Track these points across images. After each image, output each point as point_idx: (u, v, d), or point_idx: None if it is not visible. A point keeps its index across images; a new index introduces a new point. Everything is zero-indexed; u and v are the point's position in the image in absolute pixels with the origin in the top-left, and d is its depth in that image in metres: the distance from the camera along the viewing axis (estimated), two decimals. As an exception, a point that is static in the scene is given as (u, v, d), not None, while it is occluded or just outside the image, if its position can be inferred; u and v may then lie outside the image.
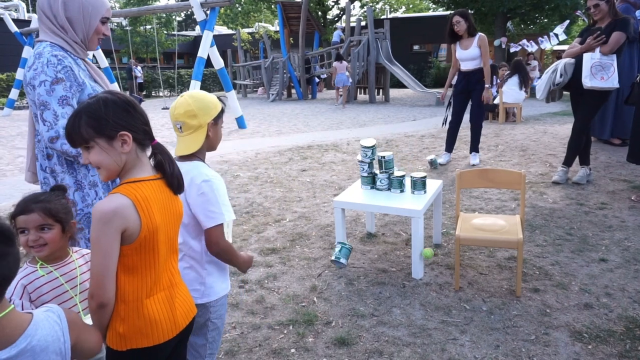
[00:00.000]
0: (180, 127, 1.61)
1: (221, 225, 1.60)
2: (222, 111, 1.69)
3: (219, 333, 1.78)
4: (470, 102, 5.72)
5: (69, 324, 1.14)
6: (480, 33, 5.50)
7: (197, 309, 1.68)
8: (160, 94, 22.20)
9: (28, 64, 1.89)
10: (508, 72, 9.82)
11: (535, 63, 15.00)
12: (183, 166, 1.60)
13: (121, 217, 1.22)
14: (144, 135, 1.34)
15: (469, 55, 5.49)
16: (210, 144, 1.68)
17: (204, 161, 1.68)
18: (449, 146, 6.01)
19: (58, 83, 1.85)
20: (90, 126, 1.26)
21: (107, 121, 1.27)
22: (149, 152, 1.38)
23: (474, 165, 5.81)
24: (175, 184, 1.39)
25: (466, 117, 5.87)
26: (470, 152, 5.96)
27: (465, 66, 5.60)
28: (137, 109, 1.33)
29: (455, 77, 5.87)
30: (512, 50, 14.17)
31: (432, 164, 5.77)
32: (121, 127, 1.28)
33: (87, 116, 1.27)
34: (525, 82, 9.50)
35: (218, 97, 1.70)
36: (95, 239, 1.22)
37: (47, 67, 1.84)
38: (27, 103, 17.33)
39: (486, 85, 5.49)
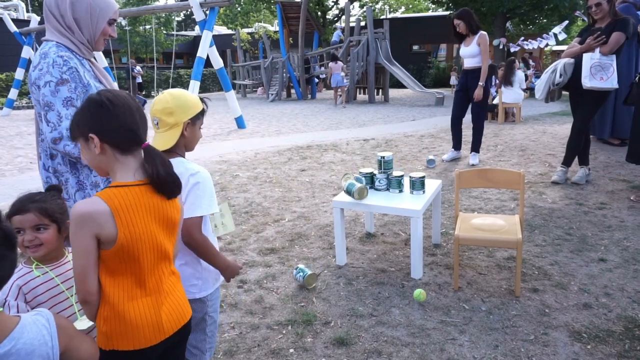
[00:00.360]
0: (157, 124, 1.61)
1: (199, 217, 1.59)
2: (203, 112, 1.67)
3: (216, 326, 1.80)
4: (471, 101, 5.75)
5: (58, 330, 1.13)
6: (482, 31, 5.56)
7: (194, 305, 1.68)
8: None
9: (33, 64, 1.88)
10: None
11: (529, 62, 14.97)
12: None
13: (94, 223, 1.22)
14: (121, 138, 1.29)
15: (468, 52, 5.59)
16: (187, 143, 1.67)
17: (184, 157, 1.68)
18: (456, 143, 6.04)
19: (63, 84, 1.85)
20: (71, 126, 1.33)
21: (77, 123, 1.31)
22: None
23: (473, 165, 5.81)
24: (164, 188, 1.34)
25: (469, 116, 5.90)
26: (471, 152, 5.98)
27: (467, 64, 5.70)
28: (113, 110, 1.28)
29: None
30: (512, 50, 14.16)
31: (428, 161, 5.86)
32: (88, 129, 1.28)
33: (73, 116, 1.34)
34: (507, 79, 9.50)
35: (201, 99, 1.69)
36: (71, 238, 1.24)
37: (53, 68, 1.84)
38: (26, 103, 17.32)
39: (480, 84, 5.54)
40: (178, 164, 1.60)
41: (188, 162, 1.63)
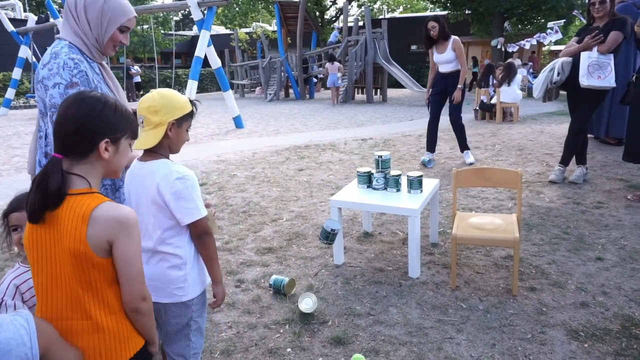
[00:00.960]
0: (142, 122, 1.59)
1: (205, 218, 1.59)
2: (191, 114, 1.64)
3: (201, 332, 1.75)
4: (448, 102, 5.84)
5: (38, 331, 1.10)
6: (454, 36, 5.61)
7: (179, 309, 1.64)
8: None
9: (43, 62, 1.86)
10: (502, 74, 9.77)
11: (519, 61, 14.99)
12: (150, 164, 1.58)
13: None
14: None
15: (444, 58, 5.64)
16: (171, 144, 1.63)
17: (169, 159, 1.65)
18: (430, 146, 6.08)
19: (72, 87, 1.82)
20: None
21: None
22: (82, 166, 1.25)
23: (471, 163, 5.85)
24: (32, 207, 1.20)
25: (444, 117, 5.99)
26: (462, 152, 6.04)
27: (443, 69, 5.75)
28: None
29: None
30: (509, 50, 14.18)
31: (423, 163, 5.89)
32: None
33: None
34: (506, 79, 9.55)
35: (191, 101, 1.66)
36: None
37: (63, 70, 1.81)
38: (23, 103, 17.27)
39: (459, 86, 5.63)
40: (162, 166, 1.57)
41: (173, 164, 1.59)
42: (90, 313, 1.21)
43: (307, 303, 2.59)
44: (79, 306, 1.21)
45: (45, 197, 1.17)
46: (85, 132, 1.22)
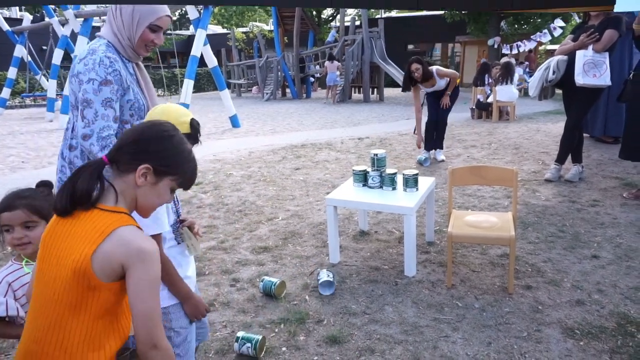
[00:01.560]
0: None
1: (156, 235, 1.49)
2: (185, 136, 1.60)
3: (186, 345, 1.64)
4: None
5: None
6: (434, 68, 5.66)
7: None
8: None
9: (80, 56, 1.91)
10: (499, 74, 9.75)
11: (513, 61, 15.00)
12: None
13: None
14: None
15: (438, 86, 5.80)
16: None
17: None
18: (427, 145, 6.15)
19: (106, 85, 1.88)
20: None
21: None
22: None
23: (442, 161, 6.02)
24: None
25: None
26: (436, 149, 6.15)
27: (437, 88, 5.88)
28: None
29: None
30: (503, 51, 14.23)
31: (419, 161, 5.94)
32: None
33: None
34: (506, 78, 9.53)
35: (194, 124, 1.60)
36: None
37: (99, 67, 1.87)
38: (19, 102, 17.20)
39: (447, 92, 5.80)
40: None
41: None
42: (65, 344, 1.10)
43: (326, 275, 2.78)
44: (57, 330, 1.11)
45: (71, 193, 1.15)
46: (136, 146, 1.21)
